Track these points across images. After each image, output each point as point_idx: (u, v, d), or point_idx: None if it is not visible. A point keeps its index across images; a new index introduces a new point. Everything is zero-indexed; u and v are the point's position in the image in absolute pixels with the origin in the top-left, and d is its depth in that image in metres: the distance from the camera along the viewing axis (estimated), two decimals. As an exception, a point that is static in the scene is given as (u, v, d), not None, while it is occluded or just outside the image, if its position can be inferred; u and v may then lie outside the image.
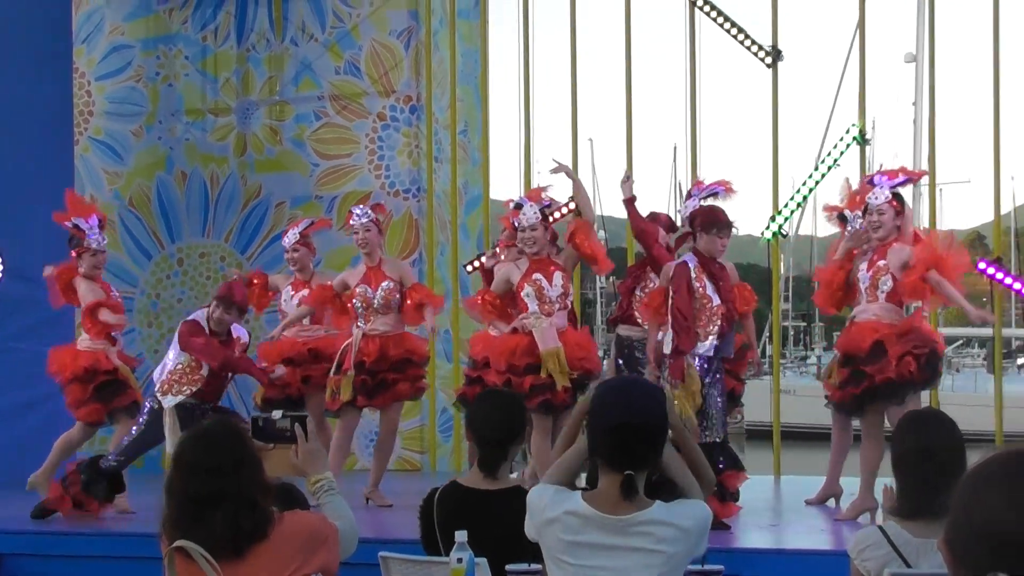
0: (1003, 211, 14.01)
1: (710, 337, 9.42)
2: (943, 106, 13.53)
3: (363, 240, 11.08)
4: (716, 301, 9.45)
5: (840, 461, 10.76)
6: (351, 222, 11.20)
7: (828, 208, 10.89)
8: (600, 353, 12.11)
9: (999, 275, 11.81)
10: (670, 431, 4.61)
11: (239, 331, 10.89)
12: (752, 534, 9.27)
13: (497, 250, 11.49)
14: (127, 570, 9.21)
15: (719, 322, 9.47)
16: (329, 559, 4.92)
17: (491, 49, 15.31)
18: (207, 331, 10.54)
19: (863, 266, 9.97)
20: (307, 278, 11.73)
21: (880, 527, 4.93)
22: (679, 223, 11.01)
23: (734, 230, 9.91)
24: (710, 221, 9.60)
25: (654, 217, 11.18)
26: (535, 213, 10.35)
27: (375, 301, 10.96)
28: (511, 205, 10.80)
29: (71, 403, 11.09)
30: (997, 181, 13.09)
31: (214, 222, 15.37)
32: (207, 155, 15.46)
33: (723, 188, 10.37)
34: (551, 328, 10.24)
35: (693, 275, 9.41)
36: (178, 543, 4.76)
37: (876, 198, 9.84)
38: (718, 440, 9.35)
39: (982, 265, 11.71)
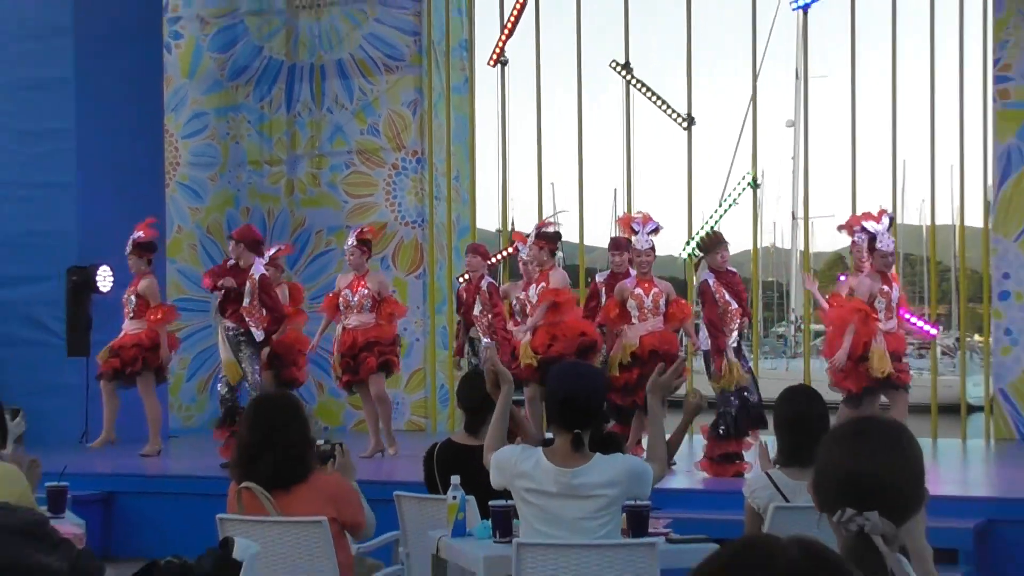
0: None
1: (733, 333, 9.62)
2: (815, 160, 13.63)
3: (349, 260, 11.28)
4: (734, 305, 9.62)
5: None
6: (344, 246, 11.53)
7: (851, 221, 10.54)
8: None
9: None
10: (651, 400, 4.83)
11: (258, 268, 10.77)
12: (675, 478, 9.24)
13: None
14: (204, 504, 9.19)
15: (738, 320, 9.67)
16: (357, 518, 4.94)
17: (477, 116, 15.36)
18: (225, 261, 10.89)
19: (886, 288, 9.53)
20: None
21: (767, 473, 4.94)
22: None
23: (658, 252, 9.92)
24: (711, 243, 9.83)
25: (616, 240, 10.96)
26: (531, 237, 10.44)
27: (352, 301, 11.06)
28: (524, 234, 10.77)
29: None
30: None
31: (270, 245, 15.32)
32: (265, 195, 15.45)
33: (657, 224, 10.20)
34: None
35: (713, 289, 9.57)
36: (244, 485, 4.82)
37: (888, 245, 9.53)
38: (758, 400, 9.54)
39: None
